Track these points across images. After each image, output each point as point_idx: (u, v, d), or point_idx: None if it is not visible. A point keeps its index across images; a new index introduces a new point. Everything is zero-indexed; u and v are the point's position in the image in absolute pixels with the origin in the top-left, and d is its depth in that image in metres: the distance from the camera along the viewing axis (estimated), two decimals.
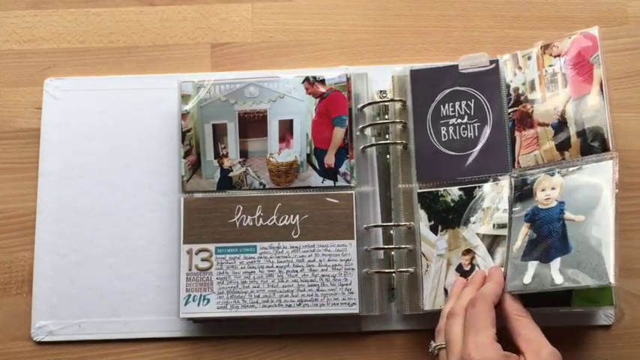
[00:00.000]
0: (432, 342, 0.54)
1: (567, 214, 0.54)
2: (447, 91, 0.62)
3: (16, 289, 0.64)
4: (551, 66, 0.59)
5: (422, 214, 0.60)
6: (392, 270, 0.61)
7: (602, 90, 0.56)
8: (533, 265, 0.55)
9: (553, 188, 0.56)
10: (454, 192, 0.60)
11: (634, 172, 0.65)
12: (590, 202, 0.54)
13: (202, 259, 0.61)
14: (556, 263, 0.53)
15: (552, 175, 0.57)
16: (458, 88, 0.62)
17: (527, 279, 0.54)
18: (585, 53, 0.58)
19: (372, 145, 0.63)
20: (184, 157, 0.64)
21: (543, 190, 0.57)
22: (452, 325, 0.52)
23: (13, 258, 0.65)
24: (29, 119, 0.68)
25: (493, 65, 0.61)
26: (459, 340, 0.51)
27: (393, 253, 0.62)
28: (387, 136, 0.64)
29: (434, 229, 0.60)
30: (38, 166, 0.66)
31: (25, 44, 0.70)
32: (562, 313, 0.61)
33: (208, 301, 0.61)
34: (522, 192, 0.58)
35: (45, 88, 0.68)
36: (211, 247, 0.62)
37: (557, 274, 0.53)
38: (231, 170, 0.63)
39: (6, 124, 0.68)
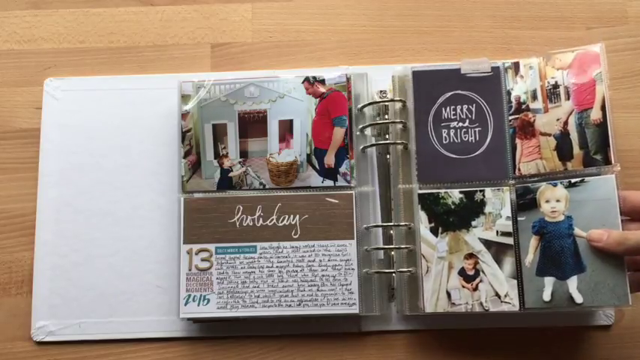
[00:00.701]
0: None
1: (577, 231, 0.56)
2: (449, 94, 0.62)
3: (16, 289, 0.64)
4: (553, 78, 0.60)
5: (422, 215, 0.60)
6: (392, 270, 0.61)
7: (604, 105, 0.58)
8: (550, 282, 0.56)
9: (558, 200, 0.57)
10: (455, 195, 0.60)
11: (634, 172, 0.65)
12: (598, 219, 0.55)
13: (202, 259, 0.61)
14: (573, 282, 0.55)
15: (555, 185, 0.57)
16: (459, 91, 0.62)
17: (546, 296, 0.56)
18: (588, 69, 0.59)
19: (372, 145, 0.63)
20: (184, 157, 0.63)
21: (548, 201, 0.57)
22: None
23: (13, 258, 0.65)
24: (29, 119, 0.68)
25: (494, 72, 0.62)
26: None
27: (393, 253, 0.62)
28: (387, 136, 0.64)
29: (434, 231, 0.60)
30: (38, 166, 0.66)
31: (25, 44, 0.70)
32: (562, 313, 0.61)
33: (208, 301, 0.61)
34: (525, 200, 0.58)
35: (45, 88, 0.68)
36: (211, 247, 0.62)
37: (576, 294, 0.55)
38: (231, 170, 0.63)
39: (6, 124, 0.68)
